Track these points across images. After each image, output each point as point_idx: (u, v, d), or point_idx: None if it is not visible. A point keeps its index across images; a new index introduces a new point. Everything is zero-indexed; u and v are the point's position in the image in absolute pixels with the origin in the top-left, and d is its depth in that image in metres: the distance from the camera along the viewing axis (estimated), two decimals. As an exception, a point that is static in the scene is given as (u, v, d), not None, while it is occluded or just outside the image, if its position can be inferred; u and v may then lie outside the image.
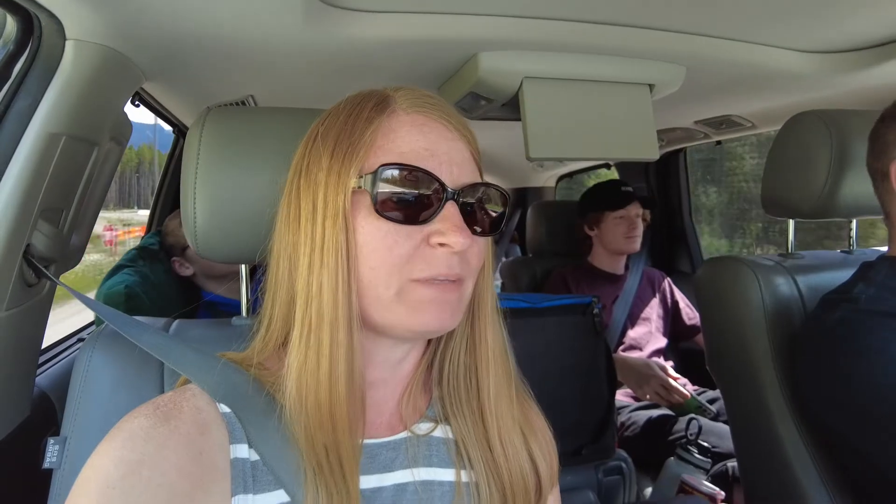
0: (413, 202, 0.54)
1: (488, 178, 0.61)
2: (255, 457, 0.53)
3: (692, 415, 1.84)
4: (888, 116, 0.96)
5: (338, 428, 0.52)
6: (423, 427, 0.63)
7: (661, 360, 2.00)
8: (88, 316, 1.67)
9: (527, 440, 0.64)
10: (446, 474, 0.61)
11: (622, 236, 2.09)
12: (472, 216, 0.56)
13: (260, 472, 0.53)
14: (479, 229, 0.57)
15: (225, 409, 0.54)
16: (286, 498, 0.52)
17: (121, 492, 0.45)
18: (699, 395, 2.03)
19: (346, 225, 0.54)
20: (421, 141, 0.55)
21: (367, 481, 0.57)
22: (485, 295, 0.62)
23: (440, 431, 0.63)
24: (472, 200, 0.57)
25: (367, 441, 0.59)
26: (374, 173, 0.53)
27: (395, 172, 0.53)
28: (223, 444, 0.52)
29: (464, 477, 0.61)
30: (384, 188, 0.53)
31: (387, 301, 0.54)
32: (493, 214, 0.59)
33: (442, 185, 0.54)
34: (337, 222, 0.53)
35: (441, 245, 0.53)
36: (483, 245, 0.59)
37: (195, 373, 0.58)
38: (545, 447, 0.66)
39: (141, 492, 0.46)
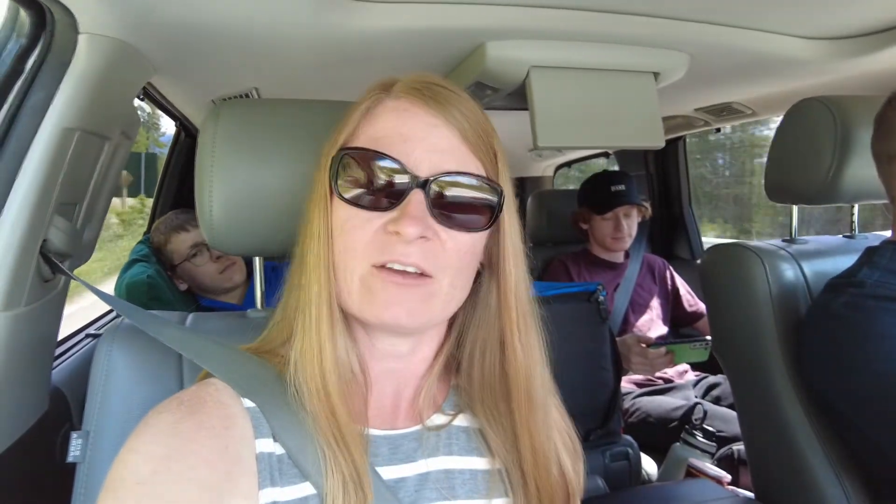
0: (374, 188, 0.53)
1: None
2: (280, 450, 0.53)
3: (698, 399, 1.86)
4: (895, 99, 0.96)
5: (337, 413, 0.53)
6: (439, 419, 0.62)
7: (638, 332, 1.98)
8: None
9: (559, 452, 0.62)
10: (466, 462, 0.61)
11: (608, 236, 2.09)
12: (447, 207, 0.54)
13: (286, 465, 0.53)
14: (456, 222, 0.55)
15: (249, 403, 0.55)
16: (312, 490, 0.52)
17: (151, 487, 0.46)
18: (698, 379, 2.06)
19: (326, 205, 0.55)
20: (398, 126, 0.54)
21: (391, 472, 0.57)
22: (510, 299, 0.59)
23: (461, 420, 0.63)
24: (450, 191, 0.54)
25: (389, 432, 0.59)
26: (335, 156, 0.55)
27: (355, 158, 0.54)
28: (248, 439, 0.52)
29: (494, 464, 0.62)
30: (343, 174, 0.54)
31: (351, 285, 0.54)
32: (480, 209, 0.56)
33: (408, 172, 0.53)
34: (321, 202, 0.56)
35: (396, 233, 0.52)
36: (465, 240, 0.56)
37: (217, 366, 0.58)
38: (575, 456, 0.65)
39: (171, 486, 0.46)
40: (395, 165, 0.53)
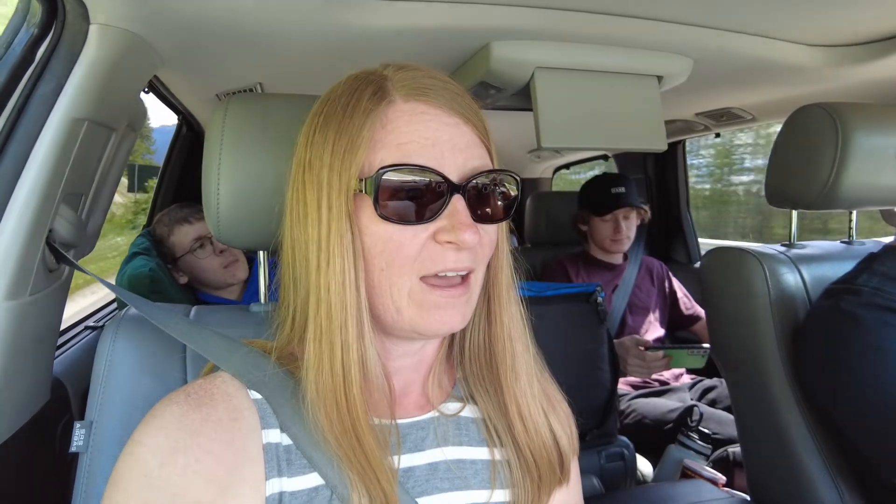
0: (417, 201, 0.52)
1: None
2: (287, 441, 0.54)
3: (693, 402, 1.87)
4: None
5: (357, 425, 0.52)
6: (451, 407, 0.64)
7: (636, 336, 1.98)
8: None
9: (547, 416, 0.64)
10: (477, 453, 0.62)
11: (608, 238, 2.10)
12: (481, 204, 0.55)
13: (294, 455, 0.53)
14: (489, 217, 0.56)
15: (255, 395, 0.55)
16: (320, 481, 0.53)
17: (158, 479, 0.47)
18: (694, 382, 2.07)
19: (351, 227, 0.53)
20: (421, 129, 0.53)
21: (400, 461, 0.57)
22: (499, 274, 0.62)
23: (469, 411, 0.64)
24: (481, 188, 0.55)
25: (398, 421, 0.59)
26: (374, 177, 0.51)
27: (395, 174, 0.52)
28: (255, 430, 0.53)
29: (497, 455, 0.63)
30: (385, 191, 0.51)
31: (400, 302, 0.54)
32: (505, 199, 0.57)
33: (446, 179, 0.52)
34: (342, 224, 0.52)
35: (449, 242, 0.52)
36: (493, 231, 0.58)
37: (223, 359, 0.59)
38: (564, 420, 0.67)
39: (177, 479, 0.47)
40: (433, 176, 0.52)
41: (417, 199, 0.52)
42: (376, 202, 0.51)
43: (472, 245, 0.53)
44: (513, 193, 0.58)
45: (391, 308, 0.54)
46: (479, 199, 0.55)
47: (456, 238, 0.52)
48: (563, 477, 0.65)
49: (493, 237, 0.58)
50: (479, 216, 0.55)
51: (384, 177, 0.51)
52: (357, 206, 0.53)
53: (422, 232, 0.53)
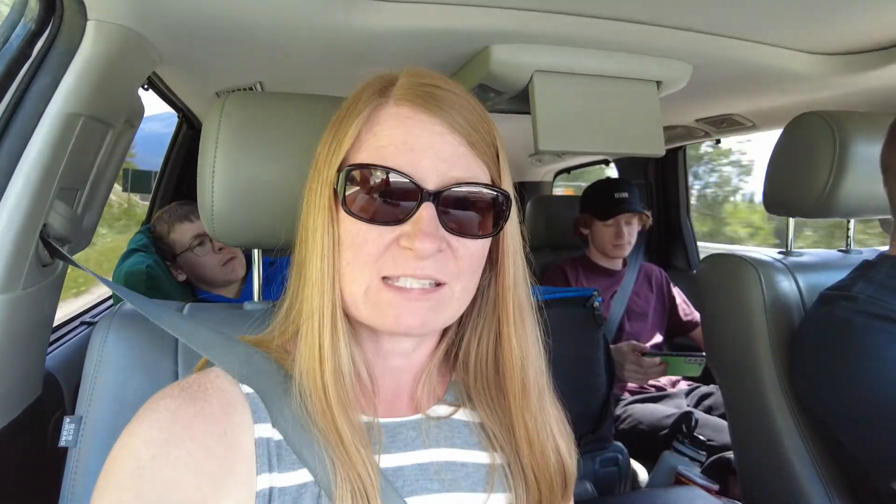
0: (383, 203, 0.53)
1: None
2: (278, 436, 0.54)
3: (689, 408, 1.87)
4: None
5: (336, 417, 0.53)
6: (441, 410, 0.63)
7: (633, 341, 1.96)
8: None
9: (556, 439, 0.63)
10: (471, 456, 0.62)
11: (609, 243, 2.10)
12: (458, 216, 0.54)
13: (284, 451, 0.53)
14: (466, 230, 0.55)
15: (248, 389, 0.55)
16: (309, 477, 0.53)
17: (150, 471, 0.47)
18: (690, 389, 2.06)
19: (331, 218, 0.55)
20: (402, 134, 0.53)
21: (389, 460, 0.57)
22: (507, 294, 0.60)
23: (463, 415, 0.64)
24: (461, 199, 0.54)
25: (386, 420, 0.59)
26: (343, 173, 0.53)
27: (362, 173, 0.53)
28: (247, 424, 0.53)
29: (497, 459, 0.62)
30: (351, 189, 0.53)
31: (357, 296, 0.54)
32: (488, 215, 0.56)
33: (416, 184, 0.52)
34: (324, 214, 0.55)
35: (408, 248, 0.52)
36: (474, 246, 0.56)
37: (217, 354, 0.59)
38: (569, 440, 0.66)
39: (170, 470, 0.47)
40: (403, 179, 0.52)
41: (386, 201, 0.53)
42: (344, 198, 0.53)
43: (429, 254, 0.52)
44: (501, 210, 0.57)
45: (350, 301, 0.55)
46: (457, 211, 0.54)
47: (412, 245, 0.51)
48: (564, 500, 0.64)
49: (472, 252, 0.56)
50: (454, 228, 0.54)
51: (351, 174, 0.53)
52: (336, 199, 0.55)
53: (387, 233, 0.53)
